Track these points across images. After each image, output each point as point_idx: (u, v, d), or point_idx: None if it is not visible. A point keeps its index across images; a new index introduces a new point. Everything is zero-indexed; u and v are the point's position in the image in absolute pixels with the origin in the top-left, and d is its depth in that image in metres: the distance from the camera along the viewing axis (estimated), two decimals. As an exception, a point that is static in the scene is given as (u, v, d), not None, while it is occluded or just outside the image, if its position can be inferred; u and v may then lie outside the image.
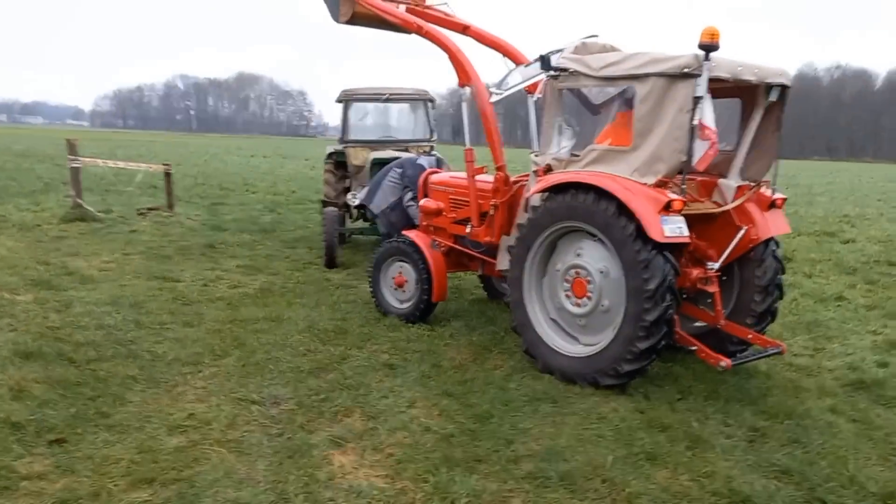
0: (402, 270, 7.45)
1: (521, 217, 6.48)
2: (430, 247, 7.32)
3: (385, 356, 6.22)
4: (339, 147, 11.57)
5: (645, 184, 5.34)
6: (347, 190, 11.55)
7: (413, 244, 7.36)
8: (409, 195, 8.23)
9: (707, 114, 5.17)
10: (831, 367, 6.20)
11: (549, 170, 6.08)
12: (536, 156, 6.28)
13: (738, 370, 5.90)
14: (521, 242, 6.14)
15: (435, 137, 11.62)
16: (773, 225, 5.95)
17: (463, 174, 8.02)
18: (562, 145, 6.21)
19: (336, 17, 8.78)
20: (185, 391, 5.35)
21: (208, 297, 8.04)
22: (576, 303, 5.81)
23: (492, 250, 7.04)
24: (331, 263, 9.96)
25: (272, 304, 7.77)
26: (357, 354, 6.22)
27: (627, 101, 5.97)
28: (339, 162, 11.66)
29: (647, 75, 5.34)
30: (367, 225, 10.97)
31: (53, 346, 6.06)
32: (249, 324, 7.03)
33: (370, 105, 11.42)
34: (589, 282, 5.69)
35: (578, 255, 5.81)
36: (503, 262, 6.81)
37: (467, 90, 7.14)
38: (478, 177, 7.13)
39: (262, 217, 14.97)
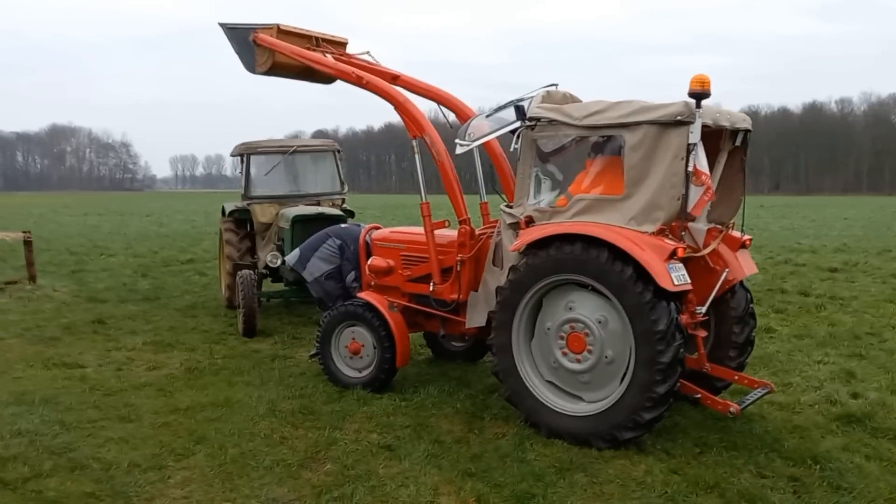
0: (356, 335, 6.88)
1: (493, 276, 6.19)
2: (388, 308, 6.84)
3: (374, 436, 5.64)
4: (242, 204, 10.77)
5: (644, 232, 5.25)
6: (251, 250, 10.75)
7: (370, 306, 6.83)
8: (353, 276, 7.70)
9: (701, 159, 5.19)
10: (811, 402, 6.31)
11: (530, 222, 5.85)
12: (511, 207, 6.05)
13: (722, 415, 5.85)
14: (504, 307, 5.81)
15: (346, 190, 11.09)
16: (745, 265, 6.05)
17: (411, 229, 7.68)
18: (541, 196, 6.02)
19: (251, 68, 8.18)
20: (166, 506, 4.53)
21: (131, 384, 7.04)
22: (575, 359, 5.56)
23: (458, 309, 6.68)
24: (250, 332, 9.12)
25: (210, 387, 6.92)
26: (341, 437, 5.60)
27: (595, 149, 5.90)
28: (240, 220, 10.85)
29: (637, 123, 5.28)
30: (286, 288, 10.22)
31: (-28, 466, 4.98)
32: (197, 412, 6.18)
33: (273, 158, 10.71)
34: (587, 334, 5.47)
35: (570, 308, 5.58)
36: (473, 319, 6.47)
37: (417, 142, 6.83)
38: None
39: (137, 284, 13.64)
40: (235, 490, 4.71)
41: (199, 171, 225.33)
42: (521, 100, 6.08)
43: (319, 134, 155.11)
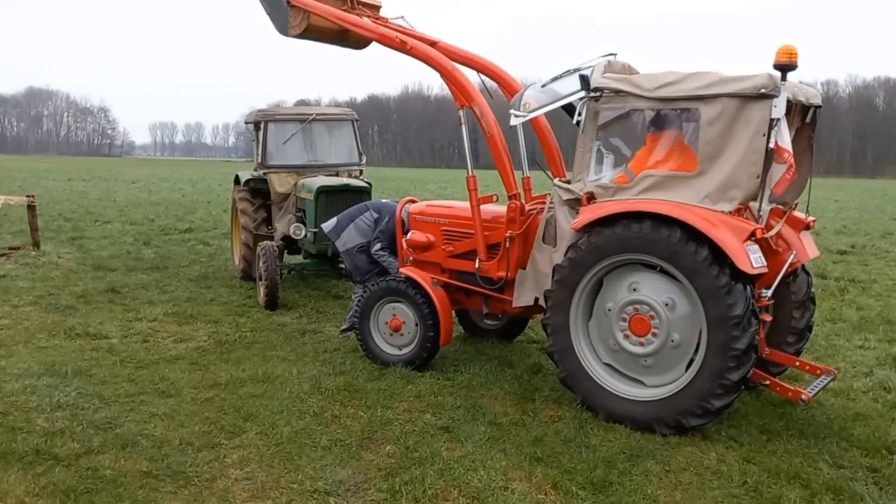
0: (397, 312, 6.68)
1: (542, 254, 5.99)
2: (432, 284, 6.64)
3: (427, 416, 5.47)
4: (258, 173, 10.46)
5: (721, 211, 5.07)
6: (266, 220, 10.48)
7: (413, 282, 6.62)
8: (379, 245, 7.44)
9: (784, 135, 4.99)
10: (864, 389, 6.20)
11: (591, 198, 5.65)
12: (569, 182, 5.84)
13: (781, 401, 5.76)
14: (562, 285, 5.61)
15: (364, 161, 10.81)
16: (809, 248, 5.90)
17: (451, 203, 7.47)
18: (602, 172, 5.82)
19: (283, 30, 7.85)
20: (229, 486, 4.33)
21: (161, 357, 6.80)
22: (638, 342, 5.40)
23: (503, 287, 6.49)
24: (272, 304, 8.89)
25: (245, 361, 6.70)
26: (394, 417, 5.43)
27: (659, 122, 5.69)
28: (255, 189, 10.54)
29: (716, 96, 5.06)
30: (306, 260, 9.96)
31: (16, 438, 4.75)
32: (237, 387, 5.98)
33: (290, 127, 10.37)
34: (652, 317, 5.30)
35: (634, 289, 5.40)
36: (521, 298, 6.29)
37: (464, 111, 6.59)
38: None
39: (141, 252, 13.28)
40: (298, 471, 4.52)
41: (179, 138, 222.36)
42: (578, 70, 5.85)
43: (301, 103, 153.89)
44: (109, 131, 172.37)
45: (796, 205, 5.94)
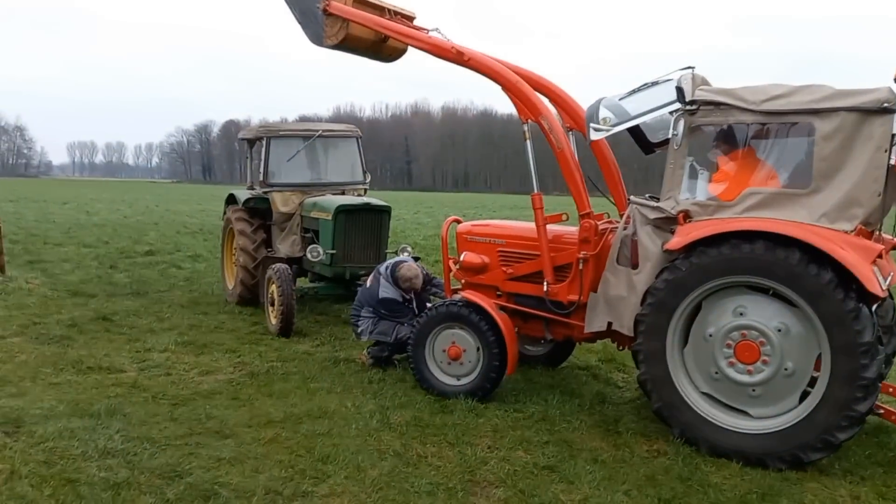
0: (457, 339, 6.22)
1: (617, 276, 5.65)
2: (496, 309, 6.20)
3: (520, 453, 5.02)
4: (257, 191, 9.82)
5: (844, 231, 4.83)
6: (266, 241, 9.83)
7: (475, 306, 6.17)
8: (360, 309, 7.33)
9: None
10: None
11: (687, 217, 5.35)
12: (659, 200, 5.53)
13: (872, 428, 5.55)
14: (658, 309, 5.26)
15: (369, 179, 10.29)
16: (894, 269, 5.75)
17: (504, 222, 7.09)
18: (697, 189, 5.53)
19: (318, 40, 7.31)
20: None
21: (195, 392, 6.14)
22: (746, 370, 5.08)
23: (573, 311, 6.11)
24: (287, 331, 8.26)
25: (290, 395, 6.11)
26: (485, 455, 4.95)
27: (761, 137, 5.44)
28: (254, 209, 9.89)
29: (833, 110, 4.84)
30: (317, 283, 9.36)
31: (79, 493, 4.08)
32: (296, 425, 5.40)
33: (295, 143, 9.78)
34: (763, 343, 5.00)
35: (741, 314, 5.10)
36: (593, 323, 5.92)
37: (528, 126, 6.22)
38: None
39: (113, 277, 12.32)
40: (415, 521, 4.01)
41: (99, 158, 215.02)
42: (657, 82, 5.59)
43: (231, 124, 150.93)
44: (26, 150, 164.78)
45: (881, 226, 5.77)
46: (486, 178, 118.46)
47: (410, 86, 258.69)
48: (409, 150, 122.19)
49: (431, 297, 7.78)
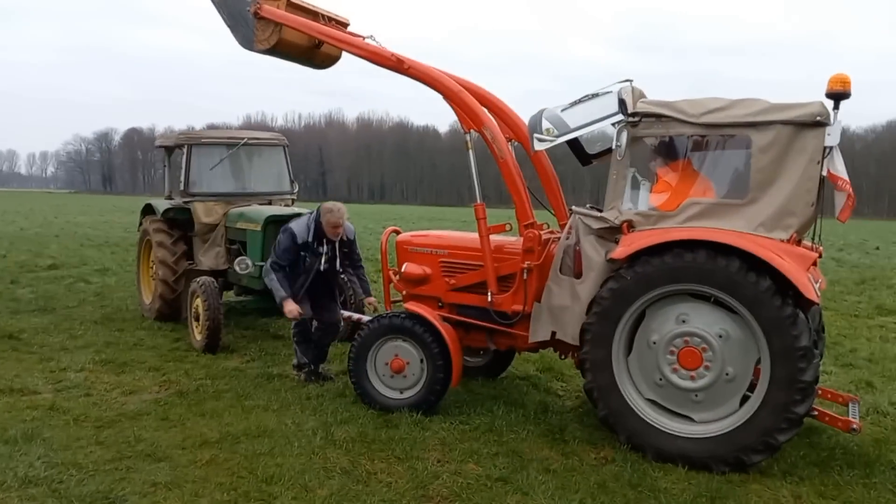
0: (399, 352, 6.08)
1: (559, 286, 5.67)
2: (440, 320, 6.10)
3: (471, 466, 4.93)
4: (177, 201, 9.40)
5: (780, 240, 4.99)
6: (187, 254, 9.41)
7: (419, 318, 6.05)
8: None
9: (837, 164, 5.00)
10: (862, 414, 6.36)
11: (630, 226, 5.41)
12: (601, 211, 5.58)
13: (825, 430, 5.76)
14: (603, 318, 5.29)
15: (296, 189, 10.02)
16: (821, 277, 5.98)
17: (445, 233, 7.02)
18: (639, 199, 5.61)
19: (249, 44, 7.07)
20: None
21: (120, 413, 5.77)
22: (689, 375, 5.17)
23: (516, 321, 6.09)
24: (213, 348, 7.90)
25: (224, 414, 5.82)
26: (435, 470, 4.83)
27: (699, 149, 5.58)
28: (173, 220, 9.45)
29: (770, 123, 5.00)
30: (244, 297, 9.01)
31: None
32: (234, 445, 5.15)
33: (218, 151, 9.41)
34: (705, 350, 5.10)
35: (683, 321, 5.19)
36: (537, 333, 5.91)
37: (471, 136, 6.18)
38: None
39: (15, 293, 11.57)
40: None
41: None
42: (597, 94, 5.67)
43: (133, 132, 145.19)
44: None
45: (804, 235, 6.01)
46: (402, 189, 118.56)
47: (322, 96, 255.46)
48: (323, 161, 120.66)
49: (346, 284, 7.78)
